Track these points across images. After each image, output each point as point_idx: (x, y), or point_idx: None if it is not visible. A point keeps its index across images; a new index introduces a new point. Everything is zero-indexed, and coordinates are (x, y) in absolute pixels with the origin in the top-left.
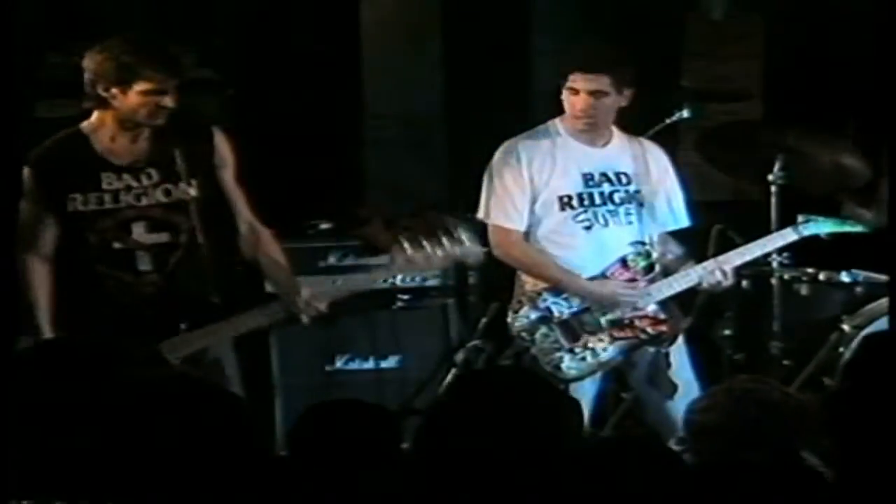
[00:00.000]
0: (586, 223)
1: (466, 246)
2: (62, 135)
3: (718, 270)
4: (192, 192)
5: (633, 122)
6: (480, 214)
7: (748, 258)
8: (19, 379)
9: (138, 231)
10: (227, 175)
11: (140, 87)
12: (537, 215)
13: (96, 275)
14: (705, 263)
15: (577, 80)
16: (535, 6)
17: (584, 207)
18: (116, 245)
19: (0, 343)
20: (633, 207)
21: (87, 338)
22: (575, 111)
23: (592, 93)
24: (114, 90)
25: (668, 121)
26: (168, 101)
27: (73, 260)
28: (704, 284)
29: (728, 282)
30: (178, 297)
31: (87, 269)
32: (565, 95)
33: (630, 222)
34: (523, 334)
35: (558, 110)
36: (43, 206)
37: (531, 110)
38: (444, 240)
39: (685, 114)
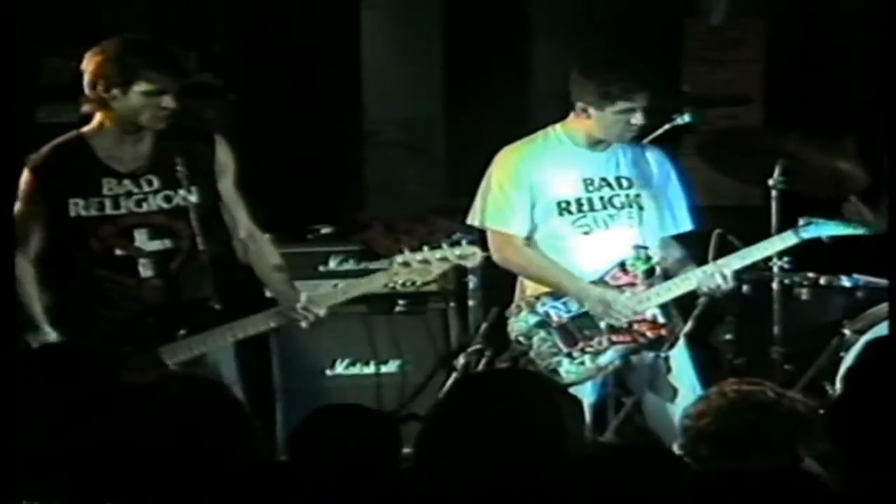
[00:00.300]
0: (585, 228)
1: (464, 248)
2: (63, 139)
3: (718, 274)
4: (193, 198)
5: None
6: (474, 220)
7: (748, 262)
8: (20, 382)
9: (140, 238)
10: (228, 182)
11: (140, 87)
12: (536, 220)
13: (97, 279)
14: (705, 267)
15: (635, 100)
16: (535, 10)
17: (583, 212)
18: (119, 252)
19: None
20: (634, 211)
21: (88, 343)
22: (632, 129)
23: (645, 109)
24: (114, 91)
25: (668, 125)
26: (168, 103)
27: (75, 264)
28: (704, 288)
29: (727, 286)
30: (180, 302)
31: (89, 273)
32: (616, 116)
33: (631, 226)
34: (521, 338)
35: (559, 114)
36: (43, 210)
37: (531, 114)
38: (443, 243)
39: (686, 118)
